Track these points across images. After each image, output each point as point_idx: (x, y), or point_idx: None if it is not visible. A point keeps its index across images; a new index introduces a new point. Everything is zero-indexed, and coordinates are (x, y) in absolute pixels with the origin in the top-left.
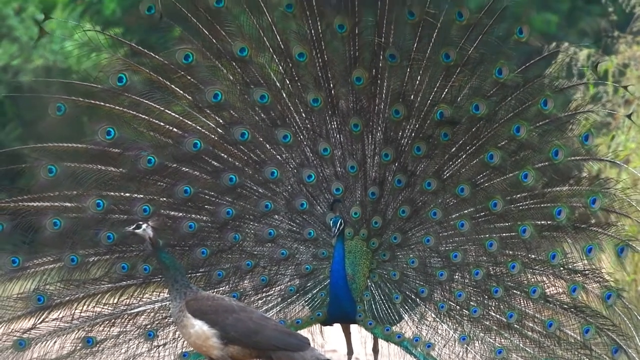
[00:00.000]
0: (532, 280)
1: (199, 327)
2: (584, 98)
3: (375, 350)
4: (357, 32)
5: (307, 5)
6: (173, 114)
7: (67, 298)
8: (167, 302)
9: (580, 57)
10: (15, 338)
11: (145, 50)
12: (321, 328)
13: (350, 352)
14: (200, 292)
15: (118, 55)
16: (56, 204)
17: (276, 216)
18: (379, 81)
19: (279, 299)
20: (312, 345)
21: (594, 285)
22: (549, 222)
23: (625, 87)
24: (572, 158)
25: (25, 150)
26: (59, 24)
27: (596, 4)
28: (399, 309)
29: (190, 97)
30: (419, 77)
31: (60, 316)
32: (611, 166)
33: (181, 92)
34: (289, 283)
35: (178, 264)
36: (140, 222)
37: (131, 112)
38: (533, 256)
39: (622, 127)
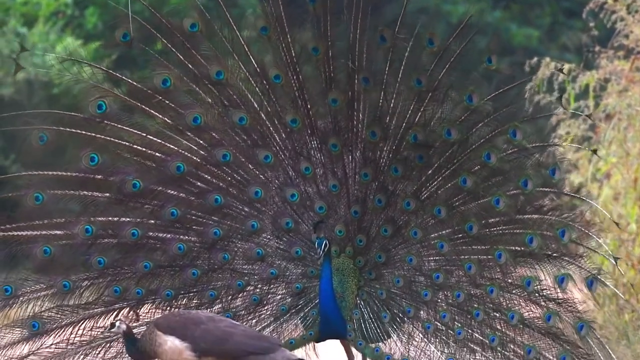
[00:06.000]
0: (510, 305)
1: (171, 342)
2: (564, 113)
3: None
4: (331, 55)
5: (280, 28)
6: (154, 139)
7: (62, 323)
8: None
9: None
10: None
11: (123, 77)
12: (315, 347)
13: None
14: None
15: (96, 83)
16: (45, 232)
17: (263, 235)
18: (355, 103)
19: (272, 318)
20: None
21: (568, 315)
22: (522, 249)
23: (589, 116)
24: (541, 189)
25: (10, 177)
26: (40, 36)
27: (577, 18)
28: (387, 328)
29: (170, 121)
30: (392, 101)
31: (56, 341)
32: (592, 180)
33: (161, 116)
34: (281, 302)
35: None
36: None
37: (113, 138)
38: (510, 281)
39: (602, 141)
